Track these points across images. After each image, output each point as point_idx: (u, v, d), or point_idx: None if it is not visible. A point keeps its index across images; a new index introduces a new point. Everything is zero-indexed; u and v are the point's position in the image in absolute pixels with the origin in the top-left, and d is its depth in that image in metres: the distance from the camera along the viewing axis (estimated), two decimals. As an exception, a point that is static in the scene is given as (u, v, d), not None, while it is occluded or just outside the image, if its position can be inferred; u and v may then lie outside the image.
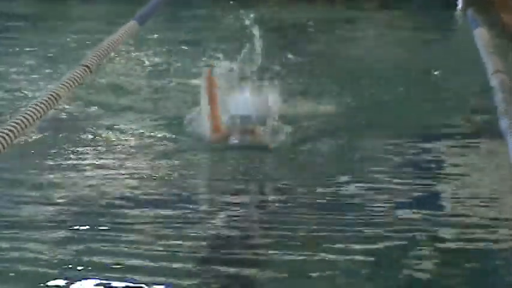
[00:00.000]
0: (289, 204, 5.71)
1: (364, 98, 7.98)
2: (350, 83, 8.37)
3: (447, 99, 8.14)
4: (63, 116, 7.28)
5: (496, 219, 5.57)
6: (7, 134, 6.47)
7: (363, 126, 7.20)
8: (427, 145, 6.87)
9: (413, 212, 5.46)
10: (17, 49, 9.73)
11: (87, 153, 6.66)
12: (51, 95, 7.44)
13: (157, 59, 9.40)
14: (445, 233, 5.30)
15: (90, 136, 6.98)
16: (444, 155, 6.79)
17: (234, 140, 6.53)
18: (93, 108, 7.63)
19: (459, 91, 8.25)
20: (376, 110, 7.69)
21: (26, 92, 8.02)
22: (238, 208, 5.55)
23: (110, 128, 7.17)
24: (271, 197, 5.92)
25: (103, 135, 7.02)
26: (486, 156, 6.78)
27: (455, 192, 6.07)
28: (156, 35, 10.25)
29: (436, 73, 8.62)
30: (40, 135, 6.86)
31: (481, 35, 9.40)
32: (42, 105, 7.21)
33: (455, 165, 6.61)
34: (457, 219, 5.54)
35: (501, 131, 6.65)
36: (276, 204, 5.71)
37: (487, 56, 8.58)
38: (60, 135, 6.89)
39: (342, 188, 5.88)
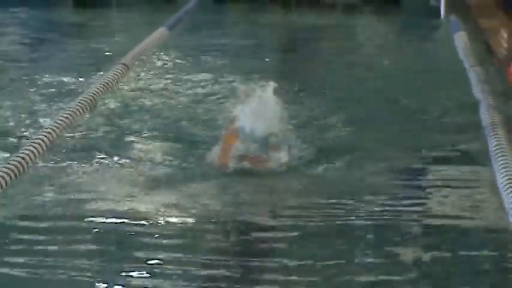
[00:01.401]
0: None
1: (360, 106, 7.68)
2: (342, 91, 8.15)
3: (431, 91, 8.18)
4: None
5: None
6: (66, 117, 6.96)
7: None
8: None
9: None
10: (67, 53, 9.90)
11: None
12: (99, 88, 7.94)
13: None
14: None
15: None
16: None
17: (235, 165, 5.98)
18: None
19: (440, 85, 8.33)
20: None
21: (76, 87, 8.19)
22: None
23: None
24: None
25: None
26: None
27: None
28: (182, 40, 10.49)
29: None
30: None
31: (461, 38, 9.93)
32: (91, 96, 7.70)
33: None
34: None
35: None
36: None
37: (464, 54, 9.11)
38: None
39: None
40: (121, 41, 10.35)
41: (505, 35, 10.14)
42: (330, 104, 7.64)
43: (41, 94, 8.00)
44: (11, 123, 7.06)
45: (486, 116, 6.93)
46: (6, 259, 4.58)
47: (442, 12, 11.99)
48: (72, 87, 8.20)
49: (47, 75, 8.64)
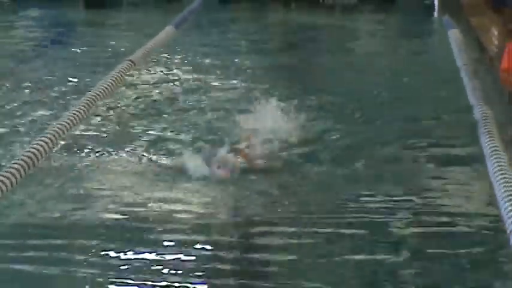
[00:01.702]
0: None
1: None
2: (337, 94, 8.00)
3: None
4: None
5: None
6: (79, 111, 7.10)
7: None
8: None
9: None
10: (78, 50, 10.08)
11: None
12: (110, 82, 8.12)
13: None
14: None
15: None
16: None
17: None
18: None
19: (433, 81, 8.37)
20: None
21: (86, 84, 8.29)
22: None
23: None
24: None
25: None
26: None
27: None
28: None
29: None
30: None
31: (454, 35, 10.14)
32: (106, 87, 7.93)
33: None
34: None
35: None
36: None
37: (458, 51, 9.26)
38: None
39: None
40: (130, 40, 10.41)
41: (496, 33, 10.18)
42: (329, 101, 7.67)
43: (52, 91, 8.09)
44: (24, 120, 7.17)
45: (479, 114, 6.95)
46: (19, 254, 4.66)
47: (436, 11, 12.20)
48: (82, 84, 8.31)
49: (57, 74, 8.81)
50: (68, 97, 7.85)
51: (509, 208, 4.98)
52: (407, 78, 8.63)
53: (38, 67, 9.24)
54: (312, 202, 5.41)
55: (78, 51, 10.17)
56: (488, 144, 6.14)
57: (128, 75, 8.55)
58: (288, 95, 7.62)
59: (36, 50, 10.32)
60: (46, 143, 6.27)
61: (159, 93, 8.07)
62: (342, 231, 5.02)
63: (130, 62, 8.90)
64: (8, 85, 8.39)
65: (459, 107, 7.41)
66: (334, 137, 6.64)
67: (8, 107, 7.59)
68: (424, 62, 9.61)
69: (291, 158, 6.12)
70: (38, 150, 6.08)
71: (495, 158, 5.84)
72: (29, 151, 6.03)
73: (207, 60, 9.46)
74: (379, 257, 4.70)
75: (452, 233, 5.05)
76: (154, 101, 7.78)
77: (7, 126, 7.01)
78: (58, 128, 6.60)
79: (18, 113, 7.38)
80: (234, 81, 8.44)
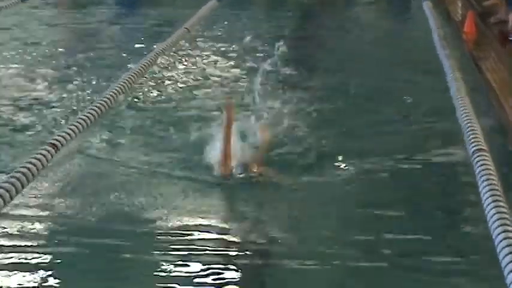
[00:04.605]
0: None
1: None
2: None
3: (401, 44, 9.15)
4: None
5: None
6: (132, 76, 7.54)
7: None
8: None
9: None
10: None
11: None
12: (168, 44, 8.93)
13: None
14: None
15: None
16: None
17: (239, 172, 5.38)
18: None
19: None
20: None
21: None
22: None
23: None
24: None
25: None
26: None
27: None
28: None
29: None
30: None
31: (428, 5, 11.07)
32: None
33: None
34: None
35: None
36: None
37: (431, 19, 10.23)
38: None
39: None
40: (184, 10, 11.10)
41: (459, 4, 11.11)
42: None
43: (122, 52, 9.03)
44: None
45: (447, 63, 7.64)
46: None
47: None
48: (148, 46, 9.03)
49: (128, 37, 9.87)
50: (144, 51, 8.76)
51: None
52: (395, 34, 9.75)
53: (115, 32, 10.40)
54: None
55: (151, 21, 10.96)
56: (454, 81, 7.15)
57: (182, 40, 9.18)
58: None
59: (115, 19, 11.33)
60: (112, 95, 6.80)
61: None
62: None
63: (186, 29, 9.74)
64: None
65: (430, 57, 8.30)
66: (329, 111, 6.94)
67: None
68: (407, 23, 10.71)
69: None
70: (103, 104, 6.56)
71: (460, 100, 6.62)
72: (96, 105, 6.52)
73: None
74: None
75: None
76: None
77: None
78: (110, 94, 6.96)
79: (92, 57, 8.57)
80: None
